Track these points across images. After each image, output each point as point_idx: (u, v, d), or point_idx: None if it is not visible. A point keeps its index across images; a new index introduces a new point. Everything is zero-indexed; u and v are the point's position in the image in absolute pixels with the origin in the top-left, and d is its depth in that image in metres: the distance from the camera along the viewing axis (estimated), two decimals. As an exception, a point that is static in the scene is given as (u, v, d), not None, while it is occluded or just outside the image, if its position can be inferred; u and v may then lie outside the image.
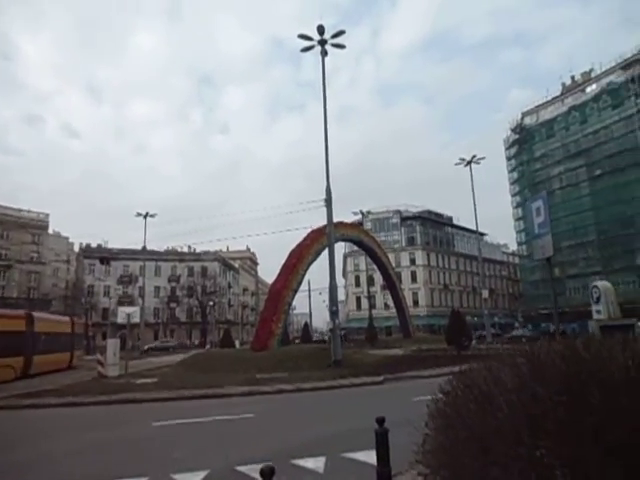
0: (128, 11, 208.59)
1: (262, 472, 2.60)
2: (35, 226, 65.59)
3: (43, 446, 8.26)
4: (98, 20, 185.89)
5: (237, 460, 6.57)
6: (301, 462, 6.33)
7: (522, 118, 67.99)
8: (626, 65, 55.12)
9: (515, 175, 68.96)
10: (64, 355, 26.26)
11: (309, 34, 21.89)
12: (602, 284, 10.75)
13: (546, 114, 65.23)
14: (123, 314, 21.88)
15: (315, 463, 6.26)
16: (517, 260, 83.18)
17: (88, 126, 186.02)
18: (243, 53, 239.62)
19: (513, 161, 69.19)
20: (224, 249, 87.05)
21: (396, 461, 4.58)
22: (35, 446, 8.30)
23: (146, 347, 50.29)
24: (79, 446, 8.08)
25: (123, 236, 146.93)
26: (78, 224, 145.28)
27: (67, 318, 30.19)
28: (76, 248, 77.26)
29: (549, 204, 12.03)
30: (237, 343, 49.20)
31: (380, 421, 3.73)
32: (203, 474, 6.00)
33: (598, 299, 10.18)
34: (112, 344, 21.43)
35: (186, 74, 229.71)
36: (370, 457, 6.38)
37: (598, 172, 56.89)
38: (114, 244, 70.73)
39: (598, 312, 10.23)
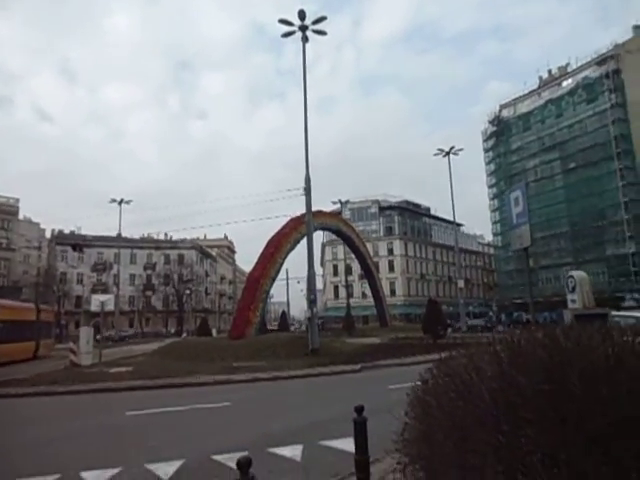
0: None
1: (239, 463, 2.53)
2: (4, 211, 63.66)
3: (11, 436, 8.03)
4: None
5: (213, 449, 6.50)
6: (278, 450, 6.30)
7: (500, 110, 68.85)
8: (601, 61, 56.22)
9: (492, 167, 69.94)
10: (27, 345, 24.89)
11: (290, 20, 21.61)
12: (578, 274, 10.95)
13: (523, 107, 66.18)
14: (97, 302, 21.37)
15: (292, 451, 6.24)
16: (492, 251, 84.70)
17: (61, 109, 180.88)
18: (223, 38, 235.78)
19: (490, 153, 70.12)
20: (202, 237, 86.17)
21: (373, 448, 4.58)
22: (1, 437, 8.06)
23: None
24: (48, 436, 7.87)
25: (98, 223, 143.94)
26: (51, 210, 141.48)
27: (31, 305, 28.90)
28: (48, 234, 75.30)
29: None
30: (214, 332, 48.95)
31: (359, 410, 3.71)
32: (178, 463, 5.91)
33: (574, 288, 10.38)
34: (85, 332, 21.01)
35: (163, 58, 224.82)
36: (347, 445, 6.39)
37: (572, 165, 58.16)
38: (89, 231, 69.11)
39: (573, 301, 10.45)
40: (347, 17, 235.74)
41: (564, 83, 61.90)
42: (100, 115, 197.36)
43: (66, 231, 70.21)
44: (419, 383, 3.47)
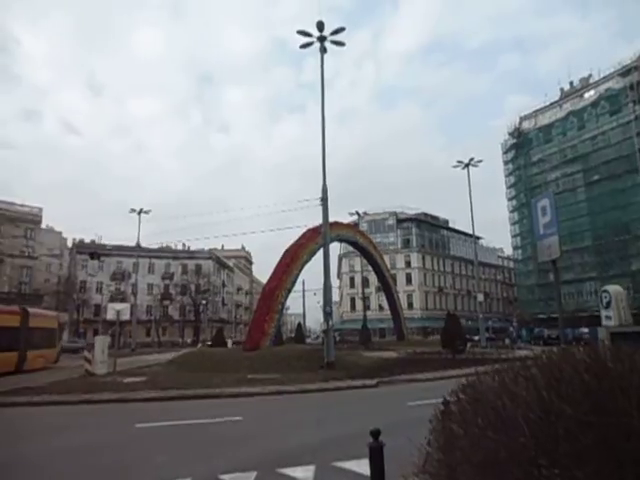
0: (130, 7, 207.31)
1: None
2: (28, 220, 64.78)
3: (18, 449, 7.84)
4: (99, 15, 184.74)
5: (221, 467, 6.21)
6: (289, 471, 5.97)
7: (520, 122, 67.97)
8: (625, 72, 55.14)
9: (512, 179, 68.91)
10: (6, 356, 20.74)
11: (309, 31, 21.62)
12: (613, 288, 10.35)
13: (544, 119, 65.23)
14: (112, 311, 21.36)
15: (304, 473, 5.90)
16: (512, 264, 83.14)
17: (87, 122, 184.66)
18: (245, 53, 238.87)
19: (510, 165, 69.12)
20: (219, 247, 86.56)
21: (390, 472, 4.24)
22: (8, 449, 7.87)
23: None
24: (54, 449, 7.68)
25: (119, 233, 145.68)
26: (74, 220, 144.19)
27: (15, 308, 24.18)
28: (69, 243, 76.51)
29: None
30: (230, 342, 48.72)
31: (375, 434, 3.38)
32: (184, 483, 5.64)
33: (608, 304, 9.80)
34: (100, 341, 20.97)
35: (187, 72, 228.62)
36: (362, 467, 6.03)
37: (595, 178, 56.89)
38: (110, 240, 70.04)
39: (608, 318, 9.84)
40: (367, 32, 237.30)
41: (586, 95, 60.88)
42: (124, 128, 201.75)
43: (87, 240, 71.28)
44: (442, 407, 3.13)
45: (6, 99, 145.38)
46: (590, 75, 60.95)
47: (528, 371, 2.47)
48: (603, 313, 10.35)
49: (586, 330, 38.85)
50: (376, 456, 3.29)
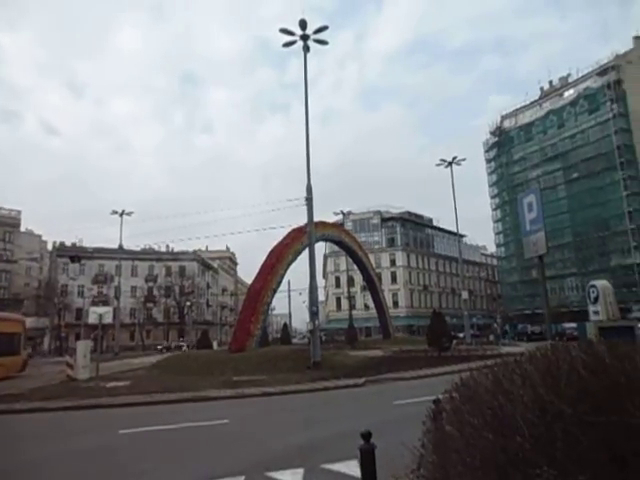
0: (111, 7, 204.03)
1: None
2: (6, 223, 63.44)
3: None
4: (79, 15, 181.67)
5: (208, 473, 6.07)
6: (277, 475, 5.85)
7: (501, 121, 68.84)
8: (602, 71, 56.20)
9: (494, 177, 69.74)
10: None
11: (292, 29, 21.50)
12: (601, 283, 10.42)
13: (525, 118, 66.15)
14: (94, 314, 20.92)
15: (292, 476, 5.80)
16: (495, 262, 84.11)
17: (68, 123, 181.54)
18: (228, 53, 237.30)
19: (492, 163, 69.95)
20: (203, 249, 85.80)
21: (379, 471, 4.16)
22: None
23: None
24: (36, 458, 7.43)
25: (100, 235, 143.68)
26: (54, 223, 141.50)
27: None
28: (50, 246, 75.05)
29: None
30: (215, 344, 48.36)
31: (366, 436, 3.30)
32: (170, 490, 5.48)
33: (596, 299, 9.86)
34: (82, 345, 20.57)
35: (169, 72, 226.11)
36: (351, 468, 5.96)
37: (575, 175, 57.87)
38: (91, 243, 68.90)
39: (596, 313, 9.90)
40: (350, 32, 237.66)
41: (565, 94, 61.91)
42: (106, 129, 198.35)
43: (68, 243, 69.98)
44: (432, 406, 3.06)
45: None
46: (569, 74, 62.06)
47: (523, 368, 2.40)
48: (591, 308, 10.43)
49: (568, 325, 39.50)
50: (367, 459, 3.21)
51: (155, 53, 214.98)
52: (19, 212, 65.92)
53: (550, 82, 64.91)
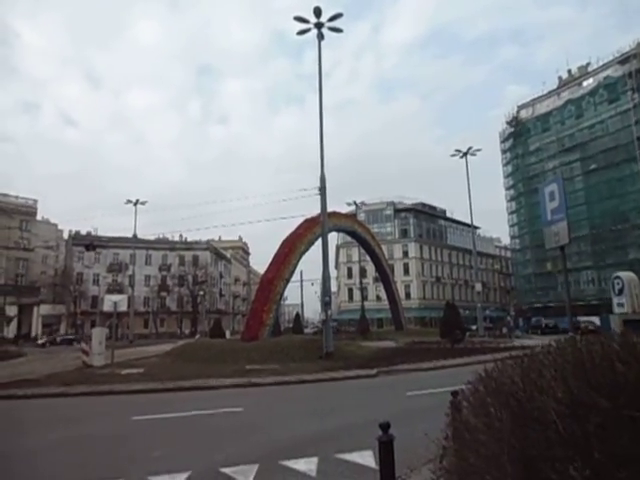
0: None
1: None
2: (22, 212, 64.30)
3: (11, 442, 7.68)
4: (99, 7, 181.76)
5: (221, 460, 6.06)
6: (291, 464, 5.82)
7: (518, 111, 67.60)
8: (623, 60, 54.71)
9: (509, 168, 68.66)
10: None
11: (306, 17, 21.26)
12: (626, 275, 10.12)
13: (542, 108, 64.85)
14: (109, 302, 21.18)
15: (307, 465, 5.75)
16: (510, 254, 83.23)
17: (85, 114, 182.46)
18: (244, 45, 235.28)
19: (508, 154, 68.83)
20: (216, 238, 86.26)
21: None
22: (1, 442, 7.71)
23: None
24: (50, 442, 7.52)
25: (116, 225, 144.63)
26: (70, 212, 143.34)
27: None
28: (65, 235, 76.03)
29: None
30: (228, 333, 48.65)
31: (384, 427, 3.21)
32: (183, 477, 5.48)
33: (621, 291, 9.58)
34: (98, 332, 20.82)
35: (185, 64, 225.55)
36: (365, 459, 5.92)
37: (593, 167, 56.69)
38: (106, 232, 69.55)
39: (620, 305, 9.61)
40: (366, 23, 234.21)
41: (584, 83, 60.47)
42: (123, 120, 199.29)
43: (83, 232, 70.80)
44: (453, 398, 2.96)
45: (5, 92, 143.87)
46: (589, 63, 60.51)
47: (553, 360, 2.29)
48: (615, 300, 10.15)
49: (584, 319, 39.00)
50: (386, 450, 3.13)
51: (172, 45, 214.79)
52: (35, 201, 66.79)
53: (569, 71, 63.46)
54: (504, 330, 41.90)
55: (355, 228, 40.17)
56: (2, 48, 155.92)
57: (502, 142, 69.63)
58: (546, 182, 14.98)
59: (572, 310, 41.52)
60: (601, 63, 57.99)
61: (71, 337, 49.35)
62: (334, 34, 22.06)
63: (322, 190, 21.95)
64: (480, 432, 2.20)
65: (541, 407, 1.96)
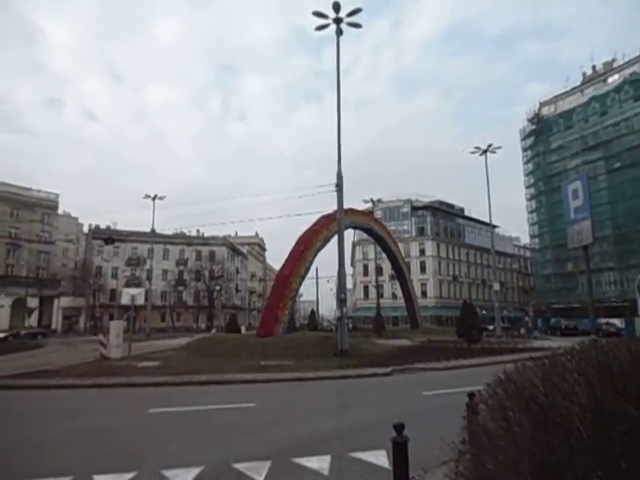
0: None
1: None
2: (45, 206, 65.56)
3: (29, 431, 7.82)
4: (121, 3, 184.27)
5: (235, 456, 6.06)
6: (304, 461, 5.78)
7: (540, 108, 66.36)
8: (651, 55, 53.31)
9: (530, 167, 67.50)
10: None
11: (325, 12, 21.15)
12: None
13: (565, 105, 63.54)
14: (127, 295, 21.46)
15: (319, 463, 5.71)
16: (529, 253, 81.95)
17: (107, 110, 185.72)
18: (264, 42, 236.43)
19: (529, 152, 67.68)
20: (233, 234, 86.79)
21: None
22: (20, 431, 7.85)
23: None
24: (68, 432, 7.63)
25: (134, 219, 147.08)
26: (90, 206, 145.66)
27: None
28: (85, 229, 77.33)
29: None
30: (243, 328, 48.93)
31: (399, 428, 3.14)
32: (197, 471, 5.48)
33: None
34: (115, 325, 21.10)
35: (206, 61, 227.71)
36: (379, 458, 5.85)
37: (617, 165, 55.40)
38: (125, 226, 70.60)
39: None
40: (386, 19, 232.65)
41: (609, 79, 59.05)
42: (143, 116, 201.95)
43: (102, 226, 71.92)
44: (469, 400, 2.87)
45: (30, 88, 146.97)
46: (614, 59, 59.06)
47: (577, 364, 2.19)
48: (640, 302, 9.88)
49: (605, 321, 38.16)
50: (400, 451, 3.06)
51: (192, 41, 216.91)
52: (57, 195, 67.99)
53: (593, 67, 62.01)
54: (522, 331, 41.36)
55: (372, 225, 39.96)
56: (29, 45, 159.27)
57: (523, 140, 68.47)
58: (570, 179, 14.49)
59: (594, 312, 40.77)
60: (627, 59, 56.60)
61: (36, 331, 46.89)
62: (353, 30, 21.94)
63: (339, 187, 21.84)
64: (499, 437, 2.12)
65: (564, 413, 1.86)
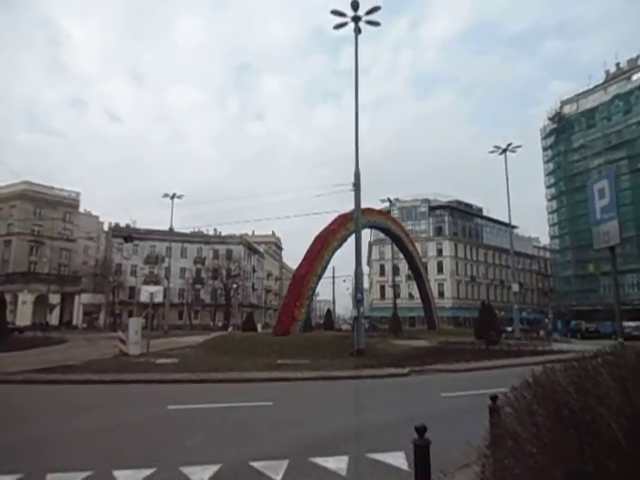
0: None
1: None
2: (66, 204, 66.91)
3: (50, 426, 7.95)
4: (143, 5, 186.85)
5: (252, 454, 6.05)
6: (321, 461, 5.74)
7: (561, 107, 65.10)
8: (677, 52, 51.86)
9: (551, 166, 66.30)
10: None
11: (343, 11, 21.09)
12: None
13: (587, 103, 62.22)
14: (146, 293, 21.74)
15: (337, 463, 5.66)
16: (548, 254, 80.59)
17: (129, 111, 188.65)
18: (283, 41, 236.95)
19: (549, 151, 66.47)
20: (250, 233, 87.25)
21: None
22: (41, 426, 7.99)
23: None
24: (88, 427, 7.72)
25: (154, 218, 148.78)
26: (110, 205, 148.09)
27: None
28: (106, 227, 78.59)
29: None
30: (260, 327, 49.19)
31: (420, 430, 3.08)
32: (214, 469, 5.49)
33: None
34: (134, 322, 21.36)
35: (225, 61, 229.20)
36: (397, 460, 5.78)
37: (641, 165, 54.08)
38: (144, 225, 71.47)
39: None
40: (405, 18, 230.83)
41: (634, 77, 57.63)
42: (163, 116, 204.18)
43: (122, 224, 72.99)
44: (491, 403, 2.79)
45: (56, 89, 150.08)
46: (639, 57, 57.64)
47: (611, 369, 2.10)
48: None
49: (627, 324, 37.25)
50: (421, 454, 3.00)
51: (211, 41, 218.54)
52: (78, 194, 69.34)
53: (617, 64, 60.58)
54: (541, 333, 40.63)
55: (389, 225, 39.75)
56: (54, 48, 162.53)
57: (543, 139, 67.27)
58: (596, 178, 14.16)
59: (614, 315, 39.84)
60: (653, 56, 55.19)
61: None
62: (372, 29, 21.87)
63: (356, 186, 21.76)
64: (528, 442, 2.05)
65: (598, 419, 1.79)
